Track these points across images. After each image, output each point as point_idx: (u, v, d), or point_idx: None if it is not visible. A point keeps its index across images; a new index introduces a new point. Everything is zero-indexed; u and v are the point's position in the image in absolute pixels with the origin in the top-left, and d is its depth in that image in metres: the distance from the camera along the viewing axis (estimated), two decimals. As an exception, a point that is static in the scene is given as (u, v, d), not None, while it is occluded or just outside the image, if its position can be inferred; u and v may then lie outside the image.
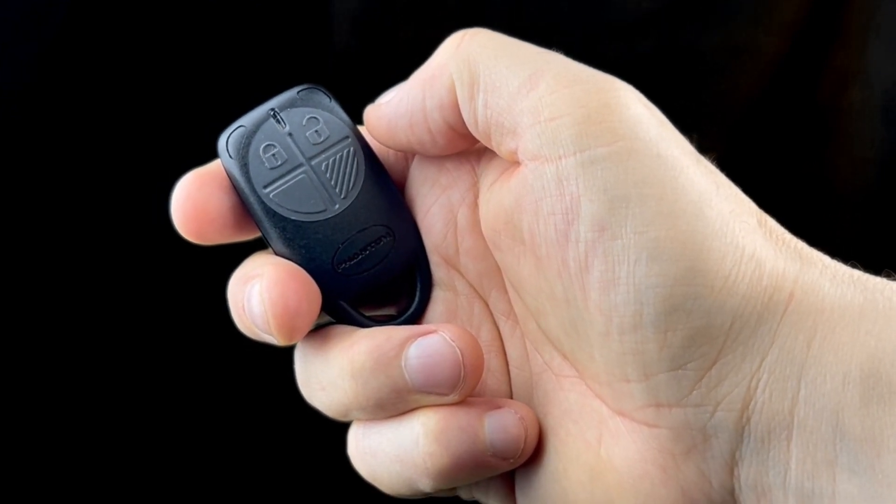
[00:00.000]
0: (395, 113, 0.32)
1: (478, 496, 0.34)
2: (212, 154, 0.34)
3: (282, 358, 0.35)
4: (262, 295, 0.31)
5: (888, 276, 0.29)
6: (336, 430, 0.35)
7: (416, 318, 0.34)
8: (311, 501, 0.56)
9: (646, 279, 0.28)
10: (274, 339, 0.31)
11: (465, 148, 0.33)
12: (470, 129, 0.31)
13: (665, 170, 0.28)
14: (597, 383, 0.30)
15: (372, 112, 0.33)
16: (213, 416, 0.55)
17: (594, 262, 0.28)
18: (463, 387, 0.31)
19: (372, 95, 0.36)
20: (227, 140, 0.32)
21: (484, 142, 0.31)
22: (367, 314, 0.34)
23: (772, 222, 0.30)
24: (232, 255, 0.34)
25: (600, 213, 0.28)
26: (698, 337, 0.28)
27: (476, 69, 0.30)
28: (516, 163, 0.31)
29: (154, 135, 0.52)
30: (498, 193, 0.31)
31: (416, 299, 0.34)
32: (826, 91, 0.56)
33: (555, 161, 0.29)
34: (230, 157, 0.32)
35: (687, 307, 0.27)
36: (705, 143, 0.31)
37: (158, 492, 0.55)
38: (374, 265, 0.33)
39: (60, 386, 0.53)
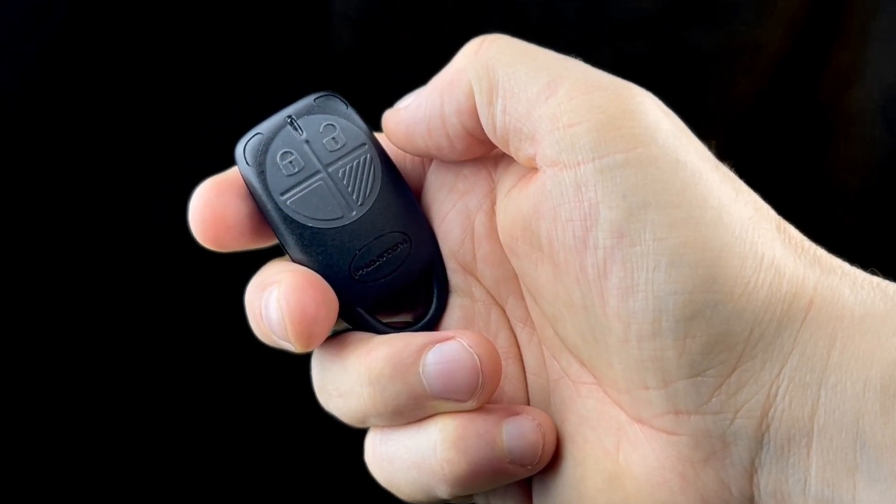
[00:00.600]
0: (413, 118, 0.32)
1: (494, 503, 0.34)
2: (212, 153, 0.34)
3: (298, 364, 0.35)
4: (279, 302, 0.31)
5: None
6: (353, 437, 0.35)
7: (434, 324, 0.34)
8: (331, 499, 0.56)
9: (665, 286, 0.28)
10: (291, 346, 0.31)
11: (483, 153, 0.33)
12: (488, 134, 0.31)
13: (684, 176, 0.28)
14: (615, 390, 0.30)
15: (390, 117, 0.33)
16: (228, 421, 0.55)
17: (613, 268, 0.28)
18: (481, 393, 0.31)
19: (372, 96, 0.36)
20: (245, 147, 0.33)
21: (502, 147, 0.31)
22: (383, 321, 0.34)
23: (791, 229, 0.30)
24: (248, 262, 0.34)
25: (619, 220, 0.28)
26: (717, 344, 0.27)
27: (495, 75, 0.30)
28: (534, 169, 0.31)
29: (154, 135, 0.52)
30: (516, 199, 0.31)
31: (433, 306, 0.34)
32: (826, 91, 0.56)
33: (573, 167, 0.29)
34: (247, 164, 0.32)
35: (706, 314, 0.27)
36: (720, 149, 0.31)
37: (171, 498, 0.55)
38: (391, 272, 0.33)
39: (72, 392, 0.53)
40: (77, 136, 0.51)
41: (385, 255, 0.33)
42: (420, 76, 0.33)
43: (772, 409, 0.27)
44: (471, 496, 0.33)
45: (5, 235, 0.51)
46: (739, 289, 0.27)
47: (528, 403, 0.33)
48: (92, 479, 0.54)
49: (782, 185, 0.57)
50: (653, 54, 0.54)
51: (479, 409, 0.31)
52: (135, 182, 0.52)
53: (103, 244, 0.52)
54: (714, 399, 0.28)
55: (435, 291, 0.34)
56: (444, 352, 0.31)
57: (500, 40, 0.31)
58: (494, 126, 0.31)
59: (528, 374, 0.33)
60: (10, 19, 0.49)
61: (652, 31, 0.54)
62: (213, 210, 0.32)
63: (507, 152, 0.31)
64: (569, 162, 0.29)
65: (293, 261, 0.33)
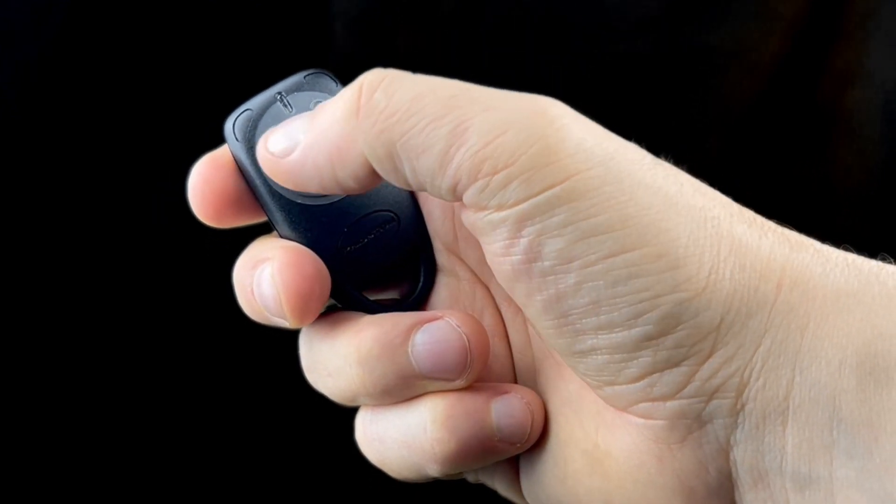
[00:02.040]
0: (300, 175, 0.30)
1: (483, 479, 0.34)
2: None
3: (285, 343, 0.35)
4: (273, 278, 0.31)
5: (884, 259, 0.29)
6: (344, 415, 0.35)
7: (421, 302, 0.34)
8: (319, 486, 0.56)
9: (628, 297, 0.27)
10: (286, 321, 0.31)
11: None
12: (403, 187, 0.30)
13: (622, 190, 0.28)
14: (589, 384, 0.30)
15: (271, 164, 0.31)
16: (217, 403, 0.55)
17: (568, 290, 0.28)
18: (470, 372, 0.31)
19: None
20: (234, 123, 0.32)
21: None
22: (371, 298, 0.34)
23: (751, 213, 0.30)
24: (233, 245, 0.34)
25: (566, 247, 0.28)
26: (689, 338, 0.28)
27: (389, 141, 0.28)
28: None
29: (154, 134, 0.52)
30: (465, 216, 0.30)
31: (421, 284, 0.34)
32: (826, 91, 0.56)
33: (507, 209, 0.28)
34: (236, 140, 0.32)
35: (675, 313, 0.27)
36: (701, 142, 0.31)
37: (165, 473, 0.55)
38: (379, 250, 0.33)
39: (59, 380, 0.53)
40: (77, 136, 0.51)
41: (373, 232, 0.33)
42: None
43: (746, 390, 0.27)
44: (460, 473, 0.33)
45: (5, 234, 0.51)
46: (702, 283, 0.27)
47: (516, 381, 0.33)
48: (92, 479, 0.54)
49: (782, 186, 0.57)
50: (653, 54, 0.54)
51: (467, 388, 0.31)
52: (134, 182, 0.52)
53: (103, 243, 0.52)
54: (689, 386, 0.28)
55: (422, 269, 0.34)
56: (432, 331, 0.31)
57: (376, 94, 0.29)
58: (408, 185, 0.29)
59: (514, 352, 0.34)
60: (10, 19, 0.49)
61: (652, 32, 0.54)
62: (212, 186, 0.32)
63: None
64: (501, 205, 0.28)
65: (281, 237, 0.33)
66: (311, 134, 0.30)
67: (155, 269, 0.53)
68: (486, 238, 0.29)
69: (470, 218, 0.29)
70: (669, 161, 0.30)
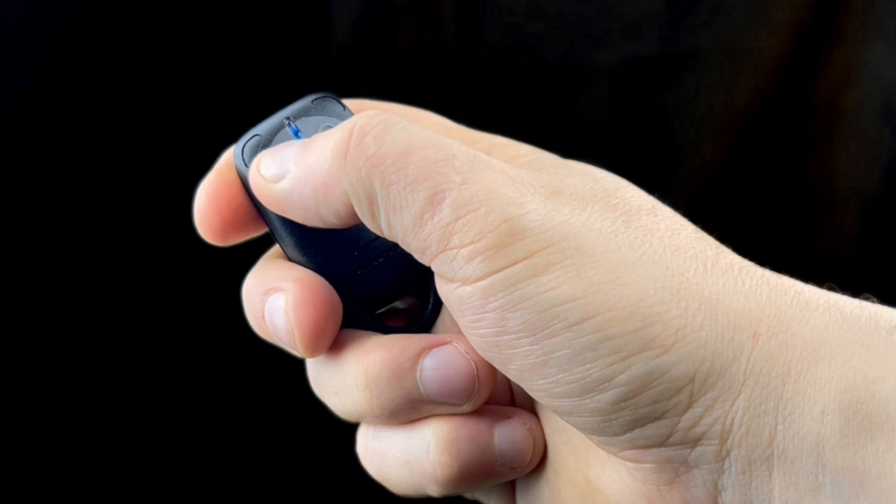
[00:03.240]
0: (286, 202, 0.31)
1: (480, 497, 0.35)
2: (212, 153, 0.34)
3: (294, 359, 0.35)
4: (287, 314, 0.31)
5: (867, 298, 0.29)
6: (347, 427, 0.35)
7: (430, 323, 0.34)
8: (320, 494, 0.57)
9: (599, 361, 0.28)
10: (296, 353, 0.32)
11: None
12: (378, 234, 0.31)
13: (587, 260, 0.28)
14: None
15: (260, 187, 0.31)
16: (227, 415, 0.55)
17: (537, 361, 0.28)
18: (477, 398, 0.31)
19: (371, 96, 0.36)
20: (243, 149, 0.33)
21: None
22: (379, 314, 0.34)
23: (730, 256, 0.30)
24: (252, 261, 0.34)
25: (532, 319, 0.28)
26: (666, 392, 0.28)
27: (371, 188, 0.29)
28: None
29: (154, 135, 0.52)
30: (437, 285, 0.31)
31: (430, 306, 0.34)
32: (825, 91, 0.56)
33: (472, 283, 0.28)
34: (246, 165, 0.32)
35: (647, 371, 0.27)
36: (701, 143, 0.31)
37: (170, 476, 0.55)
38: (388, 272, 0.33)
39: (68, 385, 0.53)
40: (76, 138, 0.51)
41: (383, 255, 0.33)
42: (419, 76, 0.33)
43: (730, 437, 0.28)
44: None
45: (7, 234, 0.51)
46: (670, 339, 0.27)
47: (514, 403, 0.34)
48: (95, 480, 0.54)
49: (782, 185, 0.57)
50: (653, 54, 0.54)
51: (472, 413, 0.31)
52: (134, 182, 0.52)
53: (103, 244, 0.52)
54: (674, 435, 0.28)
55: (431, 292, 0.34)
56: (440, 357, 0.31)
57: (367, 138, 0.29)
58: (383, 233, 0.30)
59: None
60: (10, 19, 0.49)
61: (652, 31, 0.54)
62: (217, 208, 0.32)
63: None
64: (466, 279, 0.29)
65: (289, 259, 0.33)
66: (300, 166, 0.30)
67: (156, 271, 0.53)
68: (455, 312, 0.29)
69: (442, 289, 0.30)
70: (656, 196, 0.30)
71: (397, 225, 0.29)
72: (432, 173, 0.29)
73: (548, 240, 0.28)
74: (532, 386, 0.29)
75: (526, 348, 0.28)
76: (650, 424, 0.28)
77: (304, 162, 0.30)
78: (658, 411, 0.28)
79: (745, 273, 0.29)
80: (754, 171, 0.57)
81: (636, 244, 0.29)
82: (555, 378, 0.28)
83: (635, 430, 0.28)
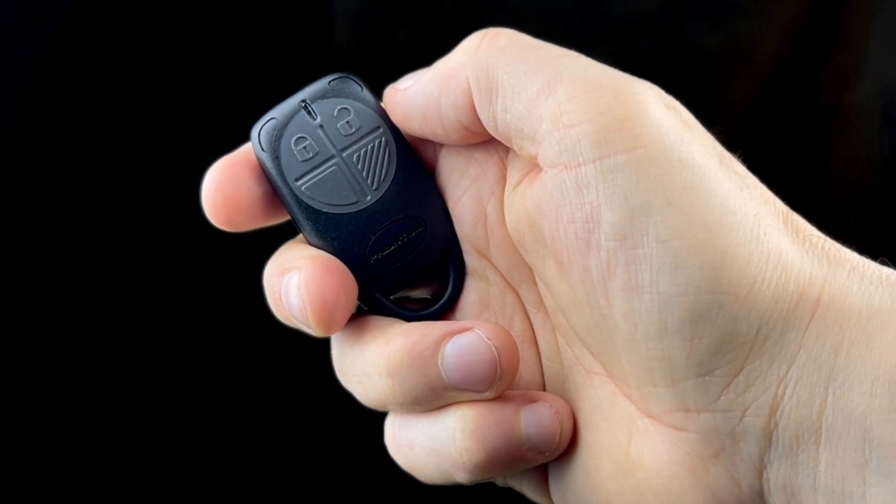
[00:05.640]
0: (410, 103, 0.32)
1: (512, 484, 0.34)
2: (212, 152, 0.34)
3: (319, 347, 0.35)
4: (300, 289, 0.31)
5: None
6: (375, 417, 0.35)
7: (450, 306, 0.34)
8: (349, 488, 0.57)
9: (670, 288, 0.27)
10: (311, 331, 0.31)
11: (477, 142, 0.33)
12: (489, 131, 0.31)
13: (687, 176, 0.28)
14: (624, 385, 0.30)
15: (391, 96, 0.33)
16: (251, 404, 0.55)
17: (616, 270, 0.28)
18: (499, 384, 0.31)
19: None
20: (259, 132, 0.33)
21: (505, 142, 0.31)
22: (400, 297, 0.34)
23: (800, 221, 0.30)
24: (266, 250, 0.34)
25: (621, 222, 0.28)
26: (724, 344, 0.27)
27: (494, 74, 0.30)
28: (537, 166, 0.30)
29: (154, 135, 0.52)
30: (521, 196, 0.31)
31: (450, 288, 0.34)
32: (826, 91, 0.56)
33: (574, 168, 0.28)
34: (262, 149, 0.32)
35: (712, 315, 0.27)
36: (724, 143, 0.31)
37: (188, 472, 0.55)
38: (407, 255, 0.33)
39: (74, 381, 0.53)
40: (76, 137, 0.51)
41: (401, 238, 0.33)
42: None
43: (780, 408, 0.27)
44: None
45: (8, 234, 0.51)
46: (745, 289, 0.27)
47: (544, 388, 0.33)
48: (99, 479, 0.54)
49: (782, 185, 0.57)
50: (653, 54, 0.54)
51: (497, 398, 0.31)
52: (134, 181, 0.52)
53: (104, 244, 0.52)
54: (723, 397, 0.28)
55: (451, 274, 0.34)
56: (462, 344, 0.31)
57: (501, 36, 0.31)
58: (496, 124, 0.31)
59: (543, 360, 0.34)
60: (10, 19, 0.49)
61: (652, 31, 0.54)
62: (224, 194, 0.32)
63: (510, 147, 0.31)
64: (570, 163, 0.29)
65: (309, 244, 0.33)
66: (432, 69, 0.32)
67: (166, 266, 0.53)
68: (552, 205, 0.29)
69: (542, 181, 0.30)
70: (740, 160, 0.30)
71: (513, 109, 0.30)
72: (554, 63, 0.30)
73: (654, 137, 0.28)
74: (605, 303, 0.29)
75: (610, 253, 0.28)
76: (700, 378, 0.28)
77: (435, 65, 0.32)
78: (711, 364, 0.28)
79: (810, 240, 0.29)
80: (754, 171, 0.57)
81: (732, 182, 0.29)
82: (623, 289, 0.28)
83: (686, 382, 0.28)
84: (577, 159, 0.28)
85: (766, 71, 0.56)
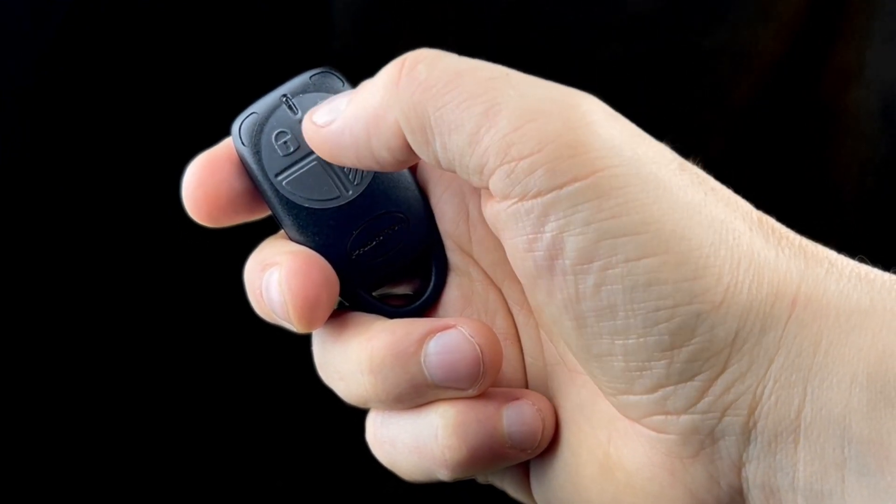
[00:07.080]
0: (337, 143, 0.30)
1: (493, 482, 0.34)
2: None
3: (298, 339, 0.35)
4: (280, 285, 0.31)
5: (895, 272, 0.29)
6: (355, 412, 0.35)
7: (432, 303, 0.34)
8: (330, 486, 0.57)
9: (645, 304, 0.27)
10: (293, 327, 0.31)
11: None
12: (432, 166, 0.30)
13: (647, 192, 0.27)
14: (603, 391, 0.30)
15: (312, 133, 0.31)
16: (235, 404, 0.55)
17: (586, 292, 0.28)
18: (482, 382, 0.31)
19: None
20: (240, 127, 0.32)
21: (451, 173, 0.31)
22: (382, 293, 0.34)
23: (771, 221, 0.29)
24: (242, 238, 0.34)
25: (587, 247, 0.27)
26: (703, 352, 0.27)
27: (423, 112, 0.28)
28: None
29: (153, 135, 0.52)
30: (488, 209, 0.30)
31: (432, 284, 0.34)
32: (826, 91, 0.56)
33: (530, 200, 0.28)
34: (243, 144, 0.32)
35: (690, 326, 0.27)
36: (701, 143, 0.31)
37: (174, 473, 0.55)
38: (389, 251, 0.33)
39: (68, 381, 0.53)
40: (76, 137, 0.51)
41: (383, 234, 0.33)
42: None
43: (759, 407, 0.27)
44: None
45: (7, 234, 0.51)
46: (719, 296, 0.27)
47: (527, 386, 0.33)
48: (97, 479, 0.54)
49: (782, 185, 0.57)
50: (653, 54, 0.54)
51: (479, 395, 0.31)
52: (134, 180, 0.52)
53: (104, 244, 0.52)
54: (703, 401, 0.28)
55: (433, 270, 0.34)
56: (445, 341, 0.31)
57: (419, 66, 0.29)
58: (437, 161, 0.29)
59: (525, 357, 0.33)
60: (10, 20, 0.49)
61: (652, 31, 0.54)
62: (205, 189, 0.32)
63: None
64: (524, 195, 0.28)
65: (290, 240, 0.33)
66: (352, 105, 0.30)
67: (160, 265, 0.53)
68: (509, 233, 0.29)
69: (495, 209, 0.29)
70: (698, 165, 0.30)
71: (453, 146, 0.28)
72: (487, 89, 0.28)
73: (610, 159, 0.27)
74: (573, 324, 0.29)
75: (578, 277, 0.28)
76: (681, 385, 0.28)
77: (355, 101, 0.30)
78: (692, 371, 0.27)
79: (784, 239, 0.29)
80: (754, 171, 0.57)
81: (695, 188, 0.28)
82: (599, 312, 0.28)
83: (666, 389, 0.28)
84: (531, 191, 0.28)
85: (766, 71, 0.56)
